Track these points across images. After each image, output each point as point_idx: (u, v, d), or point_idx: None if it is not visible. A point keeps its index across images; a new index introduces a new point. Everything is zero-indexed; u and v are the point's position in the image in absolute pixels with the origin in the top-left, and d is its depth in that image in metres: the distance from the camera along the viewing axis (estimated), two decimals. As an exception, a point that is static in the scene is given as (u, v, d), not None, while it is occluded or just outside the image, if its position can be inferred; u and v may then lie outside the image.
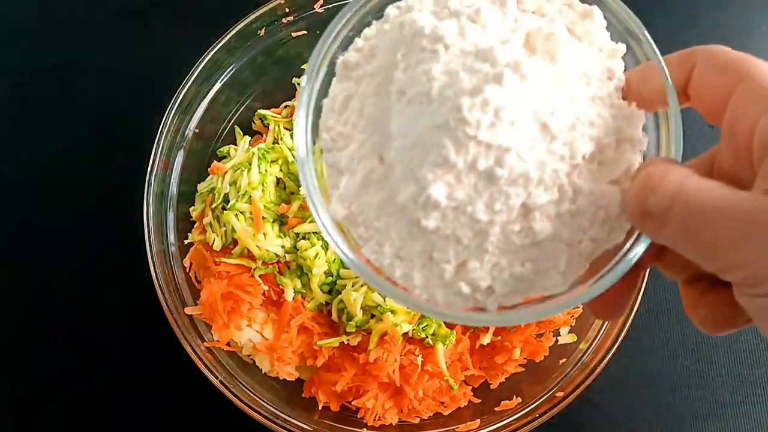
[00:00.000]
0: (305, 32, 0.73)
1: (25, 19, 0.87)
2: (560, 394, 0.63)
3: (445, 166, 0.33)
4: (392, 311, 0.64)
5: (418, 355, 0.66)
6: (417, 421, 0.67)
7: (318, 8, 0.72)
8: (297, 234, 0.67)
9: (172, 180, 0.70)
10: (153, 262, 0.66)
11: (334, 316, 0.67)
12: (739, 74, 0.32)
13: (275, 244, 0.67)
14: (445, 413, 0.67)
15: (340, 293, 0.66)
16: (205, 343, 0.65)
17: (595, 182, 0.35)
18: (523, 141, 0.33)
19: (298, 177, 0.42)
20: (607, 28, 0.37)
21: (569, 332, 0.69)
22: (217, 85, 0.72)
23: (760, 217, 0.28)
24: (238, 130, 0.75)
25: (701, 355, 0.73)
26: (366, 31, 0.39)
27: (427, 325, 0.65)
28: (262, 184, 0.68)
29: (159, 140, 0.69)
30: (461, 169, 0.33)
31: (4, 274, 0.78)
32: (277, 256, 0.67)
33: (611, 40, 0.37)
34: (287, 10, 0.72)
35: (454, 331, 0.67)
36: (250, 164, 0.68)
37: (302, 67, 0.75)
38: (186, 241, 0.70)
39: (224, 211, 0.67)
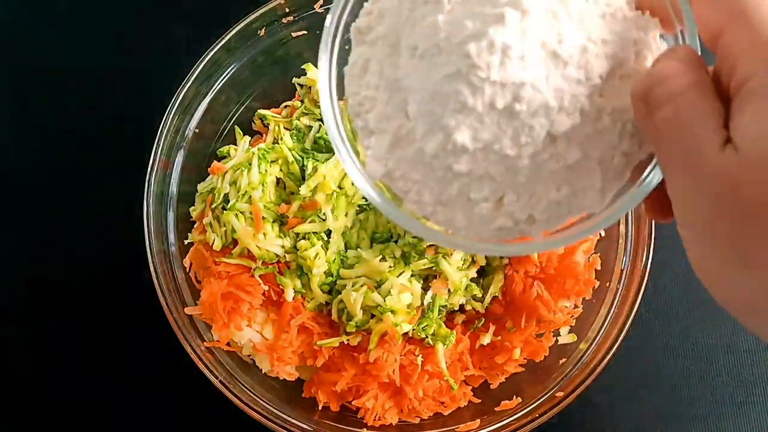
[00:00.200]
0: (305, 32, 0.73)
1: (24, 19, 0.87)
2: (560, 394, 0.63)
3: (465, 111, 0.34)
4: (392, 311, 0.64)
5: (418, 355, 0.66)
6: (417, 421, 0.67)
7: (318, 8, 0.72)
8: (297, 234, 0.67)
9: (172, 180, 0.70)
10: (153, 262, 0.66)
11: (334, 316, 0.67)
12: (733, 10, 0.31)
13: (275, 244, 0.67)
14: (445, 413, 0.67)
15: (340, 293, 0.66)
16: (205, 343, 0.65)
17: (619, 98, 0.36)
18: (536, 73, 0.34)
19: (333, 150, 0.44)
20: None
21: (569, 332, 0.69)
22: (217, 85, 0.72)
23: (715, 180, 0.30)
24: (238, 130, 0.75)
25: (701, 355, 0.73)
26: None
27: (427, 325, 0.65)
28: (262, 184, 0.68)
29: (159, 140, 0.69)
30: (481, 111, 0.34)
31: (4, 274, 0.78)
32: (277, 256, 0.67)
33: None
34: (287, 10, 0.72)
35: (454, 331, 0.67)
36: (250, 164, 0.68)
37: (302, 67, 0.75)
38: (186, 241, 0.70)
39: (224, 211, 0.67)
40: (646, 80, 0.33)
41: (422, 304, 0.66)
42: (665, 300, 0.75)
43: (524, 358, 0.68)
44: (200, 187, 0.72)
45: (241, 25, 0.71)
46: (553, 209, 0.37)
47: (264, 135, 0.75)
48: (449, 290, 0.66)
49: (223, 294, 0.65)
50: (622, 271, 0.67)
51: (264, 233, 0.67)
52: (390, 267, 0.65)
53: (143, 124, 0.70)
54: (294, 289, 0.66)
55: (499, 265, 0.69)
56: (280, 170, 0.70)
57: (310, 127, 0.72)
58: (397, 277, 0.65)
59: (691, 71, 0.32)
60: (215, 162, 0.72)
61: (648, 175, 0.36)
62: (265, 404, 0.63)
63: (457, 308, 0.69)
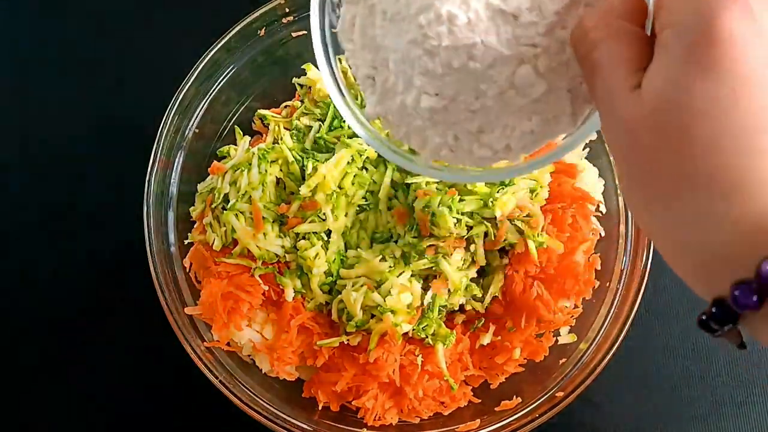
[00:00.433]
0: (305, 32, 0.73)
1: (24, 19, 0.87)
2: (560, 394, 0.63)
3: (429, 73, 0.38)
4: (392, 311, 0.64)
5: (418, 355, 0.66)
6: (417, 421, 0.67)
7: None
8: (297, 234, 0.67)
9: (172, 180, 0.70)
10: (153, 262, 0.66)
11: (334, 316, 0.67)
12: None
13: (275, 244, 0.67)
14: (445, 413, 0.67)
15: (340, 293, 0.66)
16: (205, 343, 0.65)
17: None
18: (484, 32, 0.37)
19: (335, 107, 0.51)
20: None
21: (569, 332, 0.69)
22: (217, 85, 0.72)
23: (621, 124, 0.33)
24: (238, 130, 0.75)
25: (701, 355, 0.73)
26: None
27: (427, 325, 0.65)
28: (262, 184, 0.68)
29: (159, 140, 0.69)
30: (442, 72, 0.38)
31: (4, 274, 0.78)
32: (277, 256, 0.67)
33: None
34: (287, 10, 0.72)
35: (454, 331, 0.67)
36: (250, 164, 0.68)
37: (302, 67, 0.75)
38: (186, 241, 0.70)
39: (224, 211, 0.67)
40: (575, 31, 0.36)
41: (422, 304, 0.66)
42: (665, 300, 0.75)
43: (524, 358, 0.68)
44: (200, 187, 0.72)
45: (241, 25, 0.71)
46: (528, 137, 0.40)
47: (264, 135, 0.75)
48: (449, 290, 0.66)
49: (223, 294, 0.65)
50: (622, 271, 0.67)
51: (264, 233, 0.67)
52: (390, 267, 0.65)
53: (143, 124, 0.70)
54: (294, 289, 0.66)
55: (499, 265, 0.69)
56: (280, 170, 0.70)
57: (310, 127, 0.72)
58: (397, 277, 0.65)
59: (612, 20, 0.34)
60: (215, 162, 0.72)
61: None
62: (265, 404, 0.63)
63: (457, 308, 0.69)
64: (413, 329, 0.65)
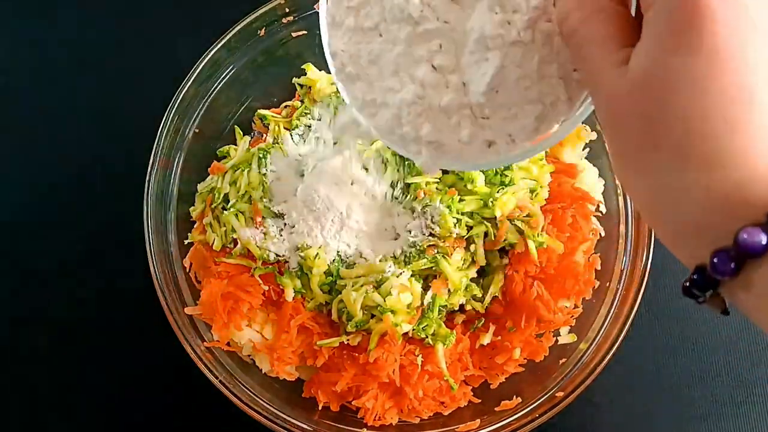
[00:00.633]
0: (305, 32, 0.73)
1: (24, 19, 0.87)
2: (560, 394, 0.63)
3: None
4: (392, 311, 0.64)
5: (418, 355, 0.66)
6: (417, 421, 0.67)
7: (318, 8, 0.72)
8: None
9: (172, 180, 0.70)
10: (153, 262, 0.66)
11: (334, 316, 0.67)
12: None
13: (276, 244, 0.67)
14: (445, 413, 0.67)
15: (340, 293, 0.66)
16: (205, 343, 0.65)
17: None
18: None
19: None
20: None
21: (569, 332, 0.69)
22: (217, 85, 0.72)
23: (608, 100, 0.34)
24: (238, 130, 0.75)
25: (701, 355, 0.73)
26: None
27: (427, 325, 0.65)
28: (262, 184, 0.68)
29: (159, 140, 0.69)
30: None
31: (4, 274, 0.78)
32: (277, 256, 0.67)
33: None
34: (287, 10, 0.72)
35: (454, 331, 0.67)
36: (250, 164, 0.68)
37: (302, 67, 0.75)
38: (186, 241, 0.70)
39: (224, 211, 0.67)
40: (559, 14, 0.37)
41: (422, 304, 0.66)
42: (665, 300, 0.75)
43: (524, 358, 0.68)
44: (200, 187, 0.72)
45: (241, 25, 0.71)
46: (530, 126, 0.41)
47: (264, 135, 0.75)
48: (449, 290, 0.66)
49: (223, 294, 0.65)
50: (622, 271, 0.67)
51: (264, 233, 0.67)
52: (390, 267, 0.65)
53: (143, 124, 0.70)
54: (294, 289, 0.66)
55: (499, 265, 0.69)
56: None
57: (309, 127, 0.72)
58: (397, 277, 0.65)
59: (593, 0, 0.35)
60: (215, 162, 0.72)
61: None
62: (265, 404, 0.63)
63: (457, 308, 0.69)
64: (413, 329, 0.65)
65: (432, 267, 0.66)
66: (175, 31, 0.85)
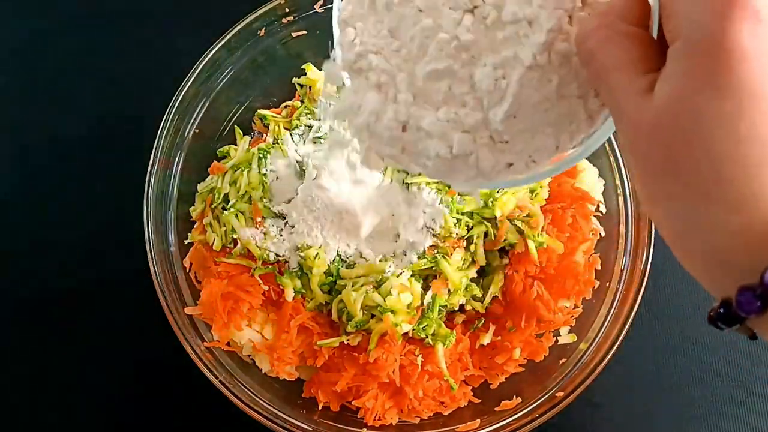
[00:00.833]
0: (305, 32, 0.73)
1: (24, 19, 0.87)
2: (560, 394, 0.63)
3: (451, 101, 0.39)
4: (392, 311, 0.64)
5: (418, 355, 0.66)
6: (417, 421, 0.67)
7: (318, 8, 0.72)
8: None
9: (172, 180, 0.70)
10: (153, 262, 0.66)
11: (334, 316, 0.67)
12: None
13: (276, 243, 0.67)
14: (445, 413, 0.67)
15: (340, 293, 0.66)
16: (205, 343, 0.65)
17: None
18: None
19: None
20: None
21: (569, 332, 0.69)
22: (217, 85, 0.72)
23: (630, 127, 0.33)
24: (238, 130, 0.75)
25: (701, 355, 0.73)
26: None
27: (427, 325, 0.65)
28: (262, 184, 0.68)
29: (159, 140, 0.69)
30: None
31: (4, 274, 0.78)
32: (277, 256, 0.67)
33: None
34: (287, 10, 0.72)
35: (454, 331, 0.67)
36: (250, 164, 0.68)
37: (302, 67, 0.75)
38: (186, 241, 0.70)
39: (224, 211, 0.67)
40: (577, 36, 0.36)
41: (422, 304, 0.66)
42: (665, 300, 0.75)
43: (524, 358, 0.68)
44: (200, 187, 0.72)
45: (241, 25, 0.71)
46: (550, 146, 0.40)
47: (264, 135, 0.75)
48: (449, 290, 0.66)
49: (223, 294, 0.65)
50: (622, 271, 0.67)
51: (264, 233, 0.67)
52: (390, 267, 0.65)
53: (143, 124, 0.70)
54: (294, 289, 0.66)
55: (499, 265, 0.69)
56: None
57: (310, 127, 0.72)
58: (397, 277, 0.65)
59: (612, 22, 0.34)
60: (215, 162, 0.72)
61: None
62: (265, 404, 0.63)
63: (457, 308, 0.69)
64: (413, 329, 0.65)
65: (432, 267, 0.66)
66: (175, 31, 0.85)
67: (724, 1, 0.30)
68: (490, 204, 0.66)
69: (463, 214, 0.66)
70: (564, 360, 0.66)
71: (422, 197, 0.66)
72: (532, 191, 0.68)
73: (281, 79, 0.76)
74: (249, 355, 0.68)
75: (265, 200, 0.68)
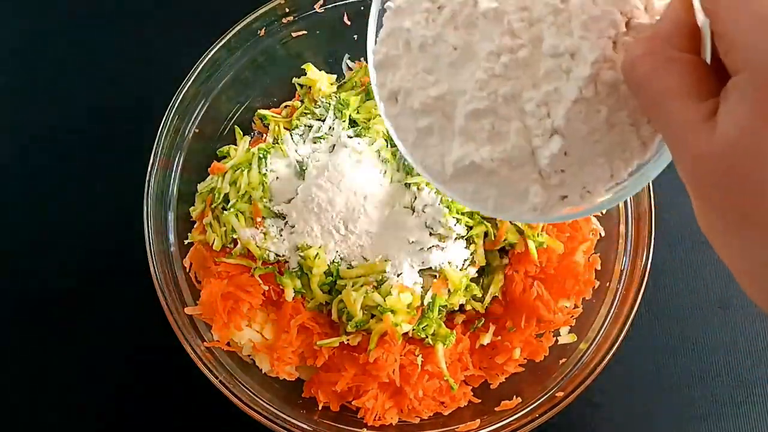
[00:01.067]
0: (305, 32, 0.73)
1: (24, 19, 0.87)
2: (560, 394, 0.63)
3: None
4: (392, 311, 0.64)
5: (418, 355, 0.66)
6: (417, 421, 0.67)
7: (318, 8, 0.72)
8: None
9: (172, 180, 0.70)
10: (153, 262, 0.66)
11: (334, 316, 0.67)
12: None
13: (276, 243, 0.67)
14: (445, 413, 0.67)
15: (340, 293, 0.66)
16: (205, 343, 0.65)
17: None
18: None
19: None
20: None
21: (569, 332, 0.69)
22: (217, 85, 0.72)
23: (690, 158, 0.32)
24: (238, 130, 0.75)
25: (701, 355, 0.73)
26: None
27: (427, 325, 0.65)
28: (262, 184, 0.68)
29: (159, 140, 0.69)
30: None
31: (4, 274, 0.78)
32: (277, 256, 0.67)
33: None
34: (287, 10, 0.72)
35: (454, 331, 0.67)
36: (250, 164, 0.68)
37: (302, 67, 0.75)
38: (186, 241, 0.70)
39: (224, 211, 0.67)
40: (624, 64, 0.34)
41: (422, 304, 0.66)
42: (665, 300, 0.75)
43: (524, 358, 0.68)
44: (200, 187, 0.72)
45: (241, 25, 0.71)
46: (604, 176, 0.38)
47: (264, 135, 0.75)
48: (449, 290, 0.66)
49: (223, 294, 0.65)
50: (622, 271, 0.67)
51: (264, 233, 0.67)
52: (390, 267, 0.65)
53: (143, 124, 0.70)
54: (294, 289, 0.66)
55: (499, 265, 0.69)
56: (280, 170, 0.70)
57: (310, 127, 0.72)
58: (398, 277, 0.65)
59: (660, 48, 0.33)
60: (215, 162, 0.72)
61: None
62: (265, 404, 0.63)
63: (457, 308, 0.69)
64: (413, 329, 0.65)
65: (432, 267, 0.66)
66: (175, 31, 0.85)
67: None
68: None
69: (463, 213, 0.66)
70: (564, 360, 0.66)
71: (422, 197, 0.66)
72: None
73: (281, 79, 0.76)
74: (249, 355, 0.68)
75: (265, 200, 0.68)
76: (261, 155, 0.69)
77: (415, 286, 0.65)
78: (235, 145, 0.74)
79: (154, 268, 0.66)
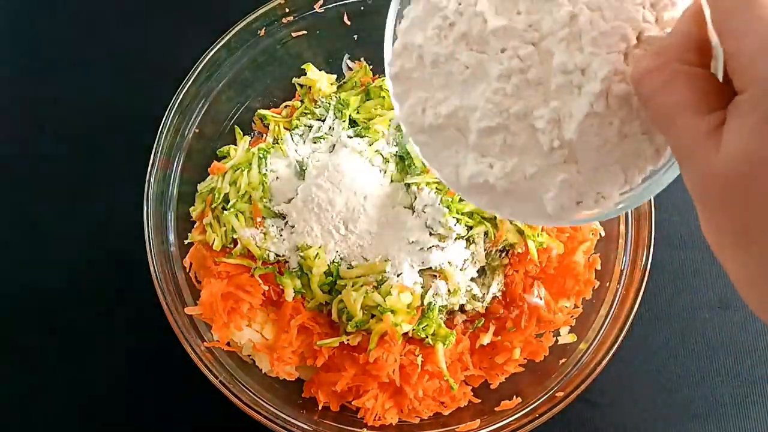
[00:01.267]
0: (305, 32, 0.73)
1: (24, 19, 0.87)
2: (560, 394, 0.63)
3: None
4: (392, 311, 0.64)
5: (418, 355, 0.66)
6: (417, 421, 0.67)
7: (318, 8, 0.72)
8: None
9: (172, 180, 0.70)
10: (153, 262, 0.66)
11: (334, 316, 0.67)
12: None
13: (276, 243, 0.67)
14: (445, 413, 0.67)
15: (340, 293, 0.66)
16: (205, 343, 0.65)
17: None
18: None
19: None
20: None
21: (569, 332, 0.69)
22: (217, 85, 0.72)
23: (697, 170, 0.32)
24: (238, 130, 0.75)
25: (701, 355, 0.73)
26: None
27: (427, 325, 0.65)
28: (262, 184, 0.68)
29: (159, 140, 0.69)
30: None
31: (4, 274, 0.78)
32: (277, 256, 0.67)
33: None
34: (287, 10, 0.72)
35: (454, 331, 0.67)
36: (250, 164, 0.68)
37: (302, 67, 0.75)
38: (186, 241, 0.70)
39: (224, 211, 0.67)
40: (634, 75, 0.35)
41: (422, 304, 0.66)
42: (665, 300, 0.75)
43: (524, 358, 0.68)
44: (200, 187, 0.72)
45: (241, 25, 0.71)
46: (618, 182, 0.39)
47: (264, 135, 0.75)
48: (449, 290, 0.66)
49: (223, 294, 0.65)
50: (622, 271, 0.67)
51: (264, 233, 0.67)
52: (390, 267, 0.65)
53: (143, 124, 0.70)
54: (294, 289, 0.66)
55: (499, 265, 0.69)
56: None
57: (310, 127, 0.72)
58: (397, 276, 0.65)
59: (670, 62, 0.33)
60: (215, 162, 0.72)
61: None
62: (265, 404, 0.63)
63: (457, 308, 0.69)
64: (413, 329, 0.65)
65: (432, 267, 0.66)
66: (175, 31, 0.85)
67: None
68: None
69: (463, 214, 0.66)
70: (564, 360, 0.66)
71: (422, 197, 0.66)
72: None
73: (281, 79, 0.76)
74: (249, 355, 0.68)
75: (265, 200, 0.68)
76: (261, 155, 0.69)
77: (415, 286, 0.65)
78: (235, 145, 0.74)
79: (154, 268, 0.66)
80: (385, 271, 0.65)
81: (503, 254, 0.69)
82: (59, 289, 0.77)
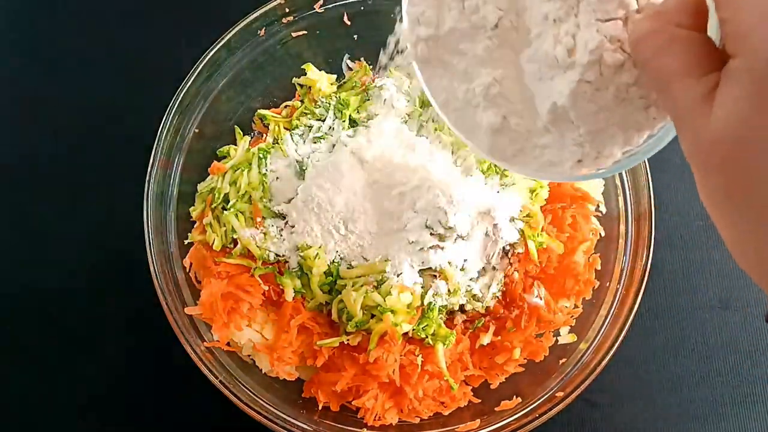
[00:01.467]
0: (305, 32, 0.74)
1: (24, 19, 0.87)
2: (560, 394, 0.63)
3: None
4: (392, 311, 0.64)
5: (418, 355, 0.66)
6: (417, 421, 0.67)
7: (318, 8, 0.72)
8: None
9: (172, 180, 0.70)
10: (153, 262, 0.66)
11: (334, 316, 0.67)
12: None
13: (276, 243, 0.67)
14: (445, 413, 0.67)
15: (340, 293, 0.66)
16: (205, 343, 0.65)
17: None
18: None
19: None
20: None
21: (569, 332, 0.69)
22: (217, 85, 0.72)
23: (691, 134, 0.33)
24: (238, 130, 0.75)
25: (701, 355, 0.73)
26: None
27: (427, 325, 0.65)
28: (262, 184, 0.68)
29: (159, 140, 0.69)
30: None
31: (4, 274, 0.78)
32: (277, 256, 0.67)
33: None
34: (287, 10, 0.72)
35: (454, 331, 0.67)
36: (250, 164, 0.68)
37: (302, 67, 0.75)
38: (186, 241, 0.70)
39: (224, 211, 0.67)
40: (631, 39, 0.36)
41: (422, 304, 0.66)
42: (665, 300, 0.75)
43: (524, 358, 0.68)
44: (200, 187, 0.72)
45: (241, 25, 0.71)
46: (617, 141, 0.40)
47: (264, 135, 0.75)
48: (449, 290, 0.66)
49: (223, 294, 0.65)
50: (622, 271, 0.67)
51: (264, 233, 0.67)
52: (390, 267, 0.65)
53: (143, 124, 0.70)
54: (294, 289, 0.66)
55: (499, 265, 0.69)
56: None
57: (310, 127, 0.72)
58: (397, 276, 0.65)
59: (666, 26, 0.34)
60: (215, 162, 0.72)
61: None
62: (265, 404, 0.63)
63: (457, 308, 0.69)
64: (413, 329, 0.65)
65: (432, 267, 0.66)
66: (175, 31, 0.85)
67: None
68: (490, 204, 0.66)
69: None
70: (564, 360, 0.66)
71: (422, 197, 0.66)
72: (532, 191, 0.68)
73: (281, 79, 0.76)
74: (249, 355, 0.68)
75: (265, 200, 0.68)
76: (261, 155, 0.69)
77: (415, 286, 0.65)
78: (235, 145, 0.74)
79: (154, 268, 0.66)
80: (385, 271, 0.65)
81: (503, 254, 0.69)
82: (59, 289, 0.77)
